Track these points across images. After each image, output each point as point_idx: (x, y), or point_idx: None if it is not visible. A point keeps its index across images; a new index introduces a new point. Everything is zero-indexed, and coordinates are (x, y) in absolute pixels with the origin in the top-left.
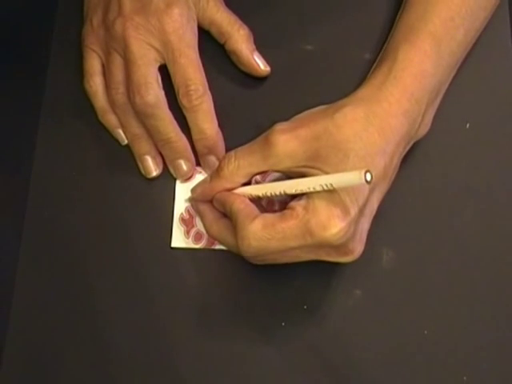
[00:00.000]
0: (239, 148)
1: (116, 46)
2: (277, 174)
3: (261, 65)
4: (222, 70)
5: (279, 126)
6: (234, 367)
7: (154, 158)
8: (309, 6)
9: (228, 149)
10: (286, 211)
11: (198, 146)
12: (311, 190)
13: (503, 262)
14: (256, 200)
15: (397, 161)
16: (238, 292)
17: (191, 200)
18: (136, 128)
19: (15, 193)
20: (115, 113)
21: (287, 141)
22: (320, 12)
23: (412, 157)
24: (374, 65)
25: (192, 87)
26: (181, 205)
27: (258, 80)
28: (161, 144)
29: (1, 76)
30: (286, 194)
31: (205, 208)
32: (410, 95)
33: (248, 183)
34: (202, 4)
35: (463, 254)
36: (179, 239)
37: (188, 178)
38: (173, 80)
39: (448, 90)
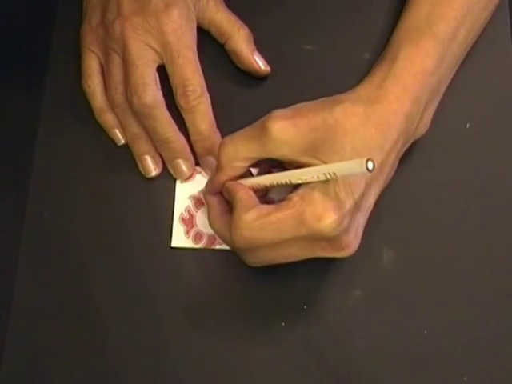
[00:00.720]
0: (235, 133)
1: (115, 47)
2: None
3: (261, 65)
4: (221, 70)
5: (277, 113)
6: (234, 367)
7: (153, 158)
8: (309, 6)
9: None
10: (282, 202)
11: (197, 147)
12: (314, 179)
13: (503, 262)
14: (262, 196)
15: (394, 158)
16: (238, 292)
17: (204, 194)
18: (135, 128)
19: (15, 193)
20: (114, 112)
21: (285, 128)
22: (320, 12)
23: (412, 157)
24: (375, 64)
25: (190, 88)
26: (181, 204)
27: (257, 80)
28: (159, 144)
29: (1, 76)
30: (291, 184)
31: (211, 201)
32: (409, 94)
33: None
34: (202, 4)
35: (463, 254)
36: (179, 239)
37: (188, 178)
38: (171, 80)
39: (448, 89)
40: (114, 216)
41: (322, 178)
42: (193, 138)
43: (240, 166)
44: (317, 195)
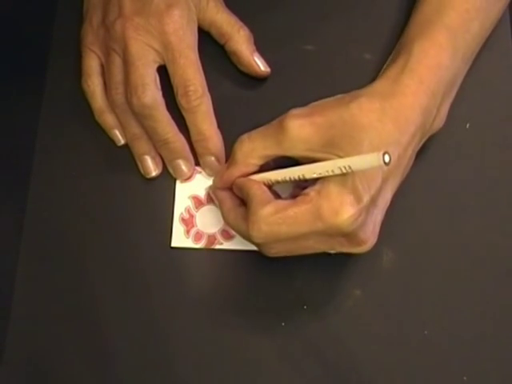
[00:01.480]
0: (253, 131)
1: (115, 47)
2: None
3: (261, 66)
4: (222, 71)
5: (294, 111)
6: (233, 367)
7: (153, 158)
8: (309, 6)
9: (227, 150)
10: (298, 197)
11: (197, 147)
12: (329, 173)
13: (503, 262)
14: (274, 192)
15: (411, 152)
16: (238, 292)
17: (212, 188)
18: (135, 128)
19: (15, 193)
20: (115, 113)
21: (302, 126)
22: (320, 12)
23: None
24: (389, 59)
25: (191, 88)
26: (181, 204)
27: (258, 81)
28: (159, 145)
29: (1, 76)
30: (304, 179)
31: (224, 195)
32: (425, 88)
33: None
34: (202, 5)
35: (463, 254)
36: (179, 239)
37: (188, 178)
38: (172, 81)
39: None
40: (114, 216)
41: (337, 172)
42: (194, 138)
43: (254, 163)
44: (334, 190)
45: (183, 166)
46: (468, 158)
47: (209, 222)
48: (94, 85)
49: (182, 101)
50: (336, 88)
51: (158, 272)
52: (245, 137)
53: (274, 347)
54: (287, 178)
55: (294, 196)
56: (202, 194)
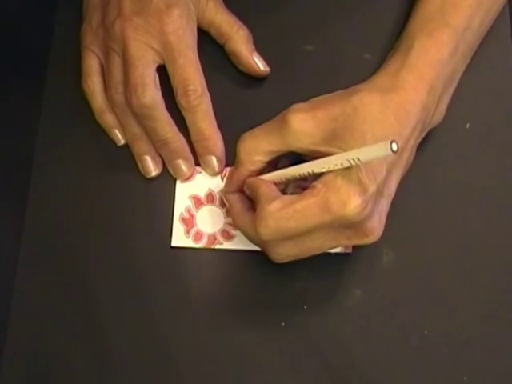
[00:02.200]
0: (255, 128)
1: (115, 47)
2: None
3: (260, 65)
4: (221, 71)
5: (296, 106)
6: (233, 367)
7: (153, 158)
8: (309, 6)
9: (227, 149)
10: (305, 191)
11: (197, 147)
12: (338, 166)
13: (503, 262)
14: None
15: (413, 145)
16: (238, 292)
17: (223, 191)
18: (135, 128)
19: (15, 193)
20: (115, 113)
21: (304, 120)
22: (320, 12)
23: None
24: (389, 54)
25: (191, 87)
26: (181, 204)
27: (258, 80)
28: (159, 145)
29: (1, 76)
30: (313, 174)
31: (233, 198)
32: (425, 83)
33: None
34: (202, 5)
35: (463, 254)
36: (179, 238)
37: (188, 178)
38: (172, 80)
39: None
40: (114, 216)
41: (346, 164)
42: (193, 137)
43: (260, 159)
44: (340, 182)
45: (183, 166)
46: (468, 157)
47: (209, 221)
48: (93, 85)
49: (181, 100)
50: (336, 88)
51: (157, 272)
52: (247, 134)
53: (274, 347)
54: (297, 175)
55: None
56: (202, 193)
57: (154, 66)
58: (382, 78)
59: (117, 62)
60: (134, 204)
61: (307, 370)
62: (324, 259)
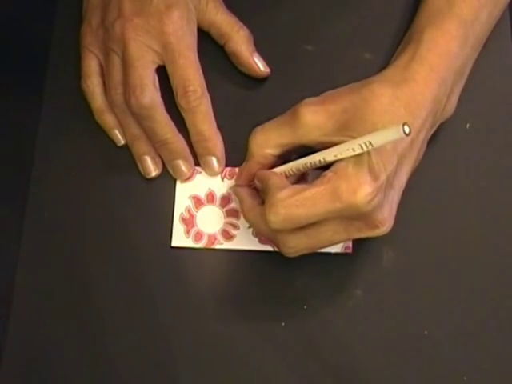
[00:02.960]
0: (266, 122)
1: (114, 47)
2: None
3: (260, 66)
4: (221, 72)
5: (307, 100)
6: (234, 367)
7: (153, 159)
8: (309, 6)
9: (228, 150)
10: (316, 180)
11: (197, 148)
12: (350, 152)
13: (503, 262)
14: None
15: (423, 137)
16: (238, 292)
17: (233, 186)
18: (135, 128)
19: (15, 193)
20: (114, 113)
21: (316, 112)
22: (320, 12)
23: None
24: (398, 49)
25: (190, 88)
26: (181, 204)
27: (257, 81)
28: (158, 145)
29: (1, 76)
30: (325, 163)
31: (244, 193)
32: (436, 75)
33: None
34: (202, 6)
35: (463, 254)
36: (179, 238)
37: (187, 178)
38: (171, 81)
39: None
40: (114, 216)
41: (358, 149)
42: (193, 138)
43: (271, 153)
44: (351, 170)
45: (183, 167)
46: (468, 158)
47: (209, 221)
48: (93, 85)
49: (181, 101)
50: (336, 88)
51: (158, 272)
52: (258, 129)
53: (274, 347)
54: (308, 165)
55: None
56: (202, 193)
57: (154, 67)
58: (392, 71)
59: (116, 62)
60: (133, 204)
61: (307, 370)
62: (324, 259)
